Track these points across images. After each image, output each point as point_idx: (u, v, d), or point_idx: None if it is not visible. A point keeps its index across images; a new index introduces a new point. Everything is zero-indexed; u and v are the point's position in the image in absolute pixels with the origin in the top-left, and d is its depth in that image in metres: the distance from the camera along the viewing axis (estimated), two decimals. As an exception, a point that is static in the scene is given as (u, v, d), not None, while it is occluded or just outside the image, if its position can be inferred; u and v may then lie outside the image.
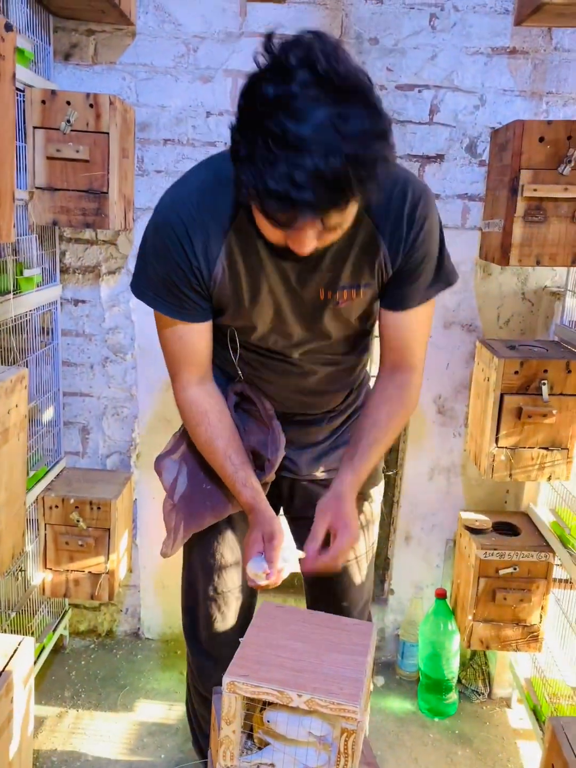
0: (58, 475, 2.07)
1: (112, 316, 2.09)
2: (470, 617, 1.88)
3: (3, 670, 1.16)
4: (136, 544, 2.27)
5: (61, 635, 2.27)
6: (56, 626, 2.15)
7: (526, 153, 1.52)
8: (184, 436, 1.34)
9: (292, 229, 0.88)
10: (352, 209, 0.91)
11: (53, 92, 1.65)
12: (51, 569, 1.97)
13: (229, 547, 1.36)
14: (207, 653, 1.44)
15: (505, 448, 1.71)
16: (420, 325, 1.19)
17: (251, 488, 1.17)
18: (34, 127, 1.66)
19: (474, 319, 2.03)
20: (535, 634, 1.88)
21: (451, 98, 1.88)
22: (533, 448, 1.71)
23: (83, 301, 2.09)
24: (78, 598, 2.03)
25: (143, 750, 1.91)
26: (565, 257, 1.57)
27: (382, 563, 2.31)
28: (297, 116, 0.79)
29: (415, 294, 1.14)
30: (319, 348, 1.19)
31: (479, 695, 2.18)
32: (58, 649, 2.28)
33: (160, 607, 2.33)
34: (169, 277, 1.08)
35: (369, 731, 1.97)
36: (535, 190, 1.52)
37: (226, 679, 0.86)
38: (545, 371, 1.66)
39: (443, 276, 1.15)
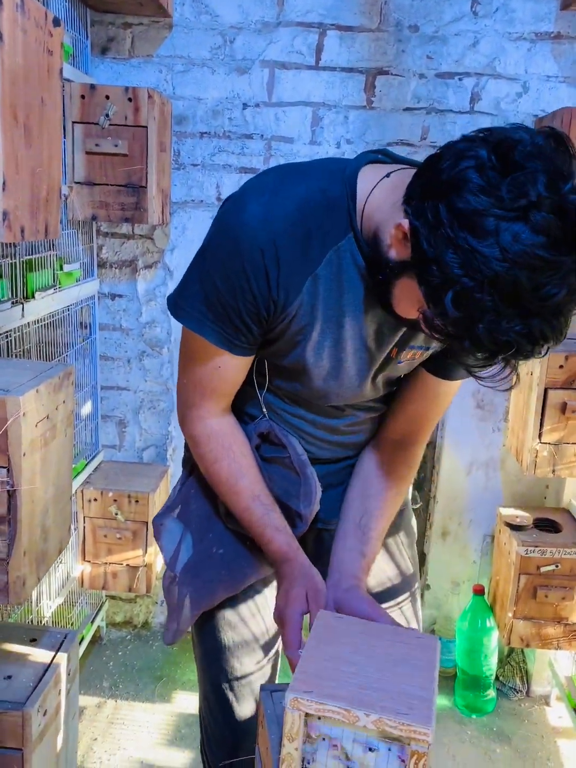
0: (96, 468, 2.09)
1: (149, 311, 2.09)
2: (510, 615, 1.86)
3: (51, 663, 1.17)
4: (172, 537, 2.28)
5: (99, 626, 2.29)
6: (94, 617, 2.18)
7: (574, 139, 1.48)
8: (188, 487, 1.13)
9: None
10: None
11: (92, 87, 1.64)
12: (89, 562, 1.99)
13: (243, 621, 1.14)
14: (221, 742, 1.20)
15: (549, 443, 1.68)
16: (445, 398, 1.08)
17: (285, 533, 0.99)
18: (74, 122, 1.66)
19: (514, 312, 2.00)
20: (576, 632, 1.85)
21: (493, 86, 1.84)
22: (577, 443, 1.68)
23: (120, 296, 2.09)
24: (116, 590, 2.05)
25: (181, 741, 1.92)
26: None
27: (419, 559, 2.28)
28: (546, 278, 0.69)
29: (454, 368, 1.02)
30: (358, 401, 1.06)
31: (517, 692, 2.16)
32: (95, 640, 2.31)
33: (195, 599, 2.34)
34: (234, 303, 0.90)
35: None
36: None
37: (289, 695, 0.85)
38: (590, 365, 1.62)
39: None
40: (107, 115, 1.64)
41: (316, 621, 0.99)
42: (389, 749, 0.86)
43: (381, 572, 1.18)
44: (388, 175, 0.88)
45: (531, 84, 1.82)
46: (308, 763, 0.88)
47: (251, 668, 1.15)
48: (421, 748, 0.80)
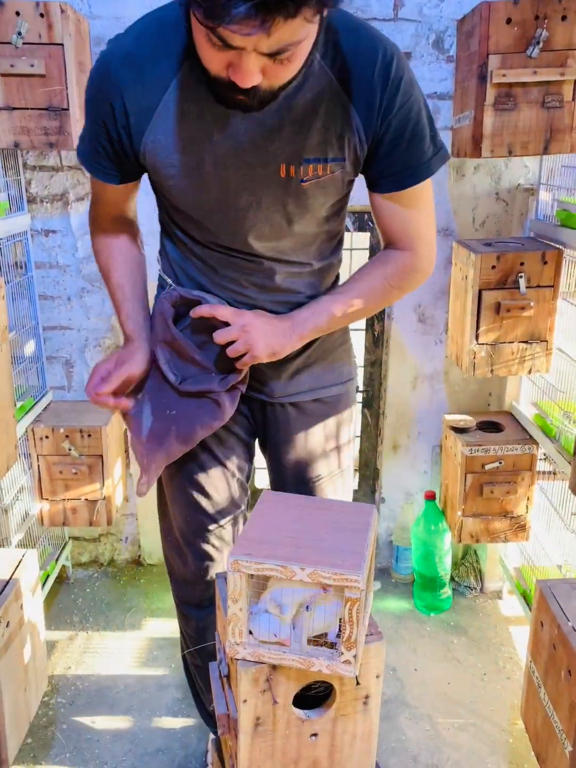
0: (45, 407, 2.08)
1: (85, 245, 2.05)
2: (459, 513, 1.95)
3: (11, 578, 1.19)
4: (130, 473, 2.30)
5: (64, 566, 2.32)
6: (58, 556, 2.20)
7: (494, 36, 1.49)
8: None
9: (229, 34, 0.76)
10: (298, 30, 0.77)
11: (1, 3, 1.57)
12: (47, 499, 2.00)
13: (215, 479, 1.27)
14: (199, 604, 1.35)
15: (486, 344, 1.74)
16: (419, 207, 1.05)
17: (135, 321, 1.15)
18: (-15, 43, 1.59)
19: (449, 223, 2.03)
20: (522, 524, 1.95)
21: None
22: (513, 342, 1.74)
23: (54, 231, 2.05)
24: (77, 526, 2.06)
25: (153, 662, 1.98)
26: (536, 145, 1.56)
27: (371, 473, 2.37)
28: None
29: (403, 170, 1.00)
30: (280, 245, 1.07)
31: (472, 590, 2.28)
32: (62, 579, 2.34)
33: (158, 532, 2.37)
34: (97, 125, 1.01)
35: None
36: (503, 75, 1.50)
37: (230, 559, 0.89)
38: (522, 264, 1.67)
39: (437, 151, 1.01)
40: (20, 33, 1.57)
41: (261, 498, 1.03)
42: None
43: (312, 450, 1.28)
44: None
45: (450, -11, 1.82)
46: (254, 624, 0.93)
47: (211, 522, 1.29)
48: (354, 594, 0.85)
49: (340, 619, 0.89)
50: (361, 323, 2.17)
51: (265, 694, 0.95)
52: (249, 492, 1.36)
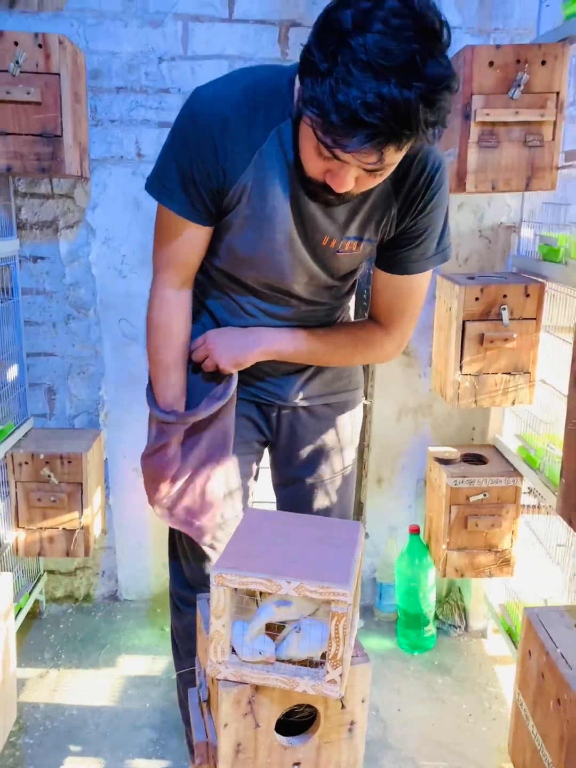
0: (25, 434, 2.04)
1: (72, 272, 2.06)
2: (444, 547, 1.93)
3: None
4: (109, 504, 2.25)
5: (38, 601, 2.24)
6: (32, 589, 2.13)
7: (477, 78, 1.56)
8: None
9: (343, 154, 0.87)
10: (400, 155, 0.91)
11: (0, 32, 1.61)
12: (24, 528, 1.95)
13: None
14: (194, 603, 1.37)
15: (470, 375, 1.75)
16: (408, 293, 1.21)
17: (166, 415, 1.23)
18: (-18, 70, 1.62)
19: (434, 259, 2.07)
20: (507, 559, 1.93)
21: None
22: (496, 373, 1.76)
23: (42, 258, 2.05)
24: (53, 556, 2.01)
25: (128, 700, 1.90)
26: (518, 181, 1.61)
27: (356, 508, 2.34)
28: (384, 44, 0.79)
29: (412, 260, 1.16)
30: (311, 290, 1.21)
31: (456, 629, 2.24)
32: (34, 615, 2.26)
33: (136, 566, 2.32)
34: (189, 172, 1.06)
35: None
36: (487, 114, 1.56)
37: (213, 572, 0.86)
38: (504, 296, 1.70)
39: (442, 250, 1.18)
40: (17, 62, 1.61)
41: (245, 515, 1.02)
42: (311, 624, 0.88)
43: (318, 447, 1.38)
44: None
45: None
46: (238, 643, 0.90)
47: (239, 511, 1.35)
48: (341, 609, 0.83)
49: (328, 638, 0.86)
50: (347, 355, 2.19)
51: (246, 717, 0.91)
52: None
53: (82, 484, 1.92)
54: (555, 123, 1.57)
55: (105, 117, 1.94)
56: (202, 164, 1.05)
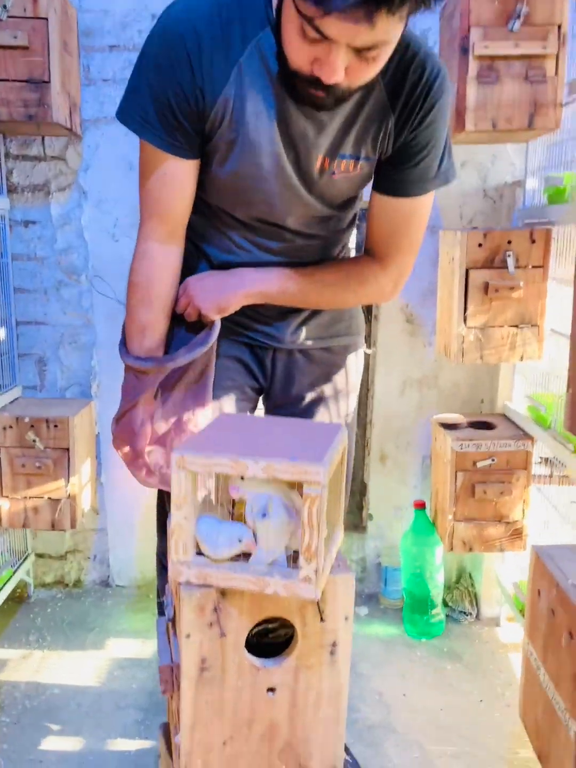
0: (12, 401, 1.97)
1: (64, 236, 2.01)
2: (450, 517, 1.81)
3: None
4: (102, 482, 2.16)
5: (24, 583, 2.14)
6: (17, 567, 2.03)
7: (475, 11, 1.50)
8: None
9: (330, 26, 0.79)
10: (394, 30, 0.82)
11: (-12, -23, 1.59)
12: (7, 497, 1.86)
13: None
14: None
15: (475, 327, 1.66)
16: (406, 220, 1.11)
17: (143, 362, 1.14)
18: (-31, 15, 1.59)
19: (437, 220, 1.99)
20: (518, 530, 1.80)
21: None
22: (503, 326, 1.66)
23: (33, 222, 2.01)
24: (38, 527, 1.91)
25: (113, 681, 1.78)
26: (521, 119, 1.54)
27: (359, 488, 2.23)
28: None
29: (412, 180, 1.07)
30: (307, 221, 1.13)
31: (467, 616, 2.10)
32: (21, 599, 2.16)
33: (129, 549, 2.22)
34: (165, 98, 0.97)
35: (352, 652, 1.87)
36: (486, 47, 1.50)
37: (174, 455, 0.77)
38: (509, 243, 1.62)
39: (444, 170, 1.09)
40: (5, 6, 1.58)
41: (215, 418, 0.92)
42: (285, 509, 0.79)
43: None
44: None
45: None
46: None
47: None
48: (314, 490, 0.73)
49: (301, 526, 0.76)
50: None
51: (212, 628, 0.80)
52: None
53: (68, 450, 1.84)
54: (558, 56, 1.51)
55: (98, 76, 1.91)
56: (178, 87, 0.96)
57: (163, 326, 1.15)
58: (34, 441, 1.81)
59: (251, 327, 1.23)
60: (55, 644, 1.94)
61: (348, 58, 0.84)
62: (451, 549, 1.84)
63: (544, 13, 1.50)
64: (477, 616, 2.11)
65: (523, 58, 1.51)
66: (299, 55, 0.87)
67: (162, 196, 1.06)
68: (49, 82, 1.62)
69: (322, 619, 0.82)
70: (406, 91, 1.00)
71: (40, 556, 2.22)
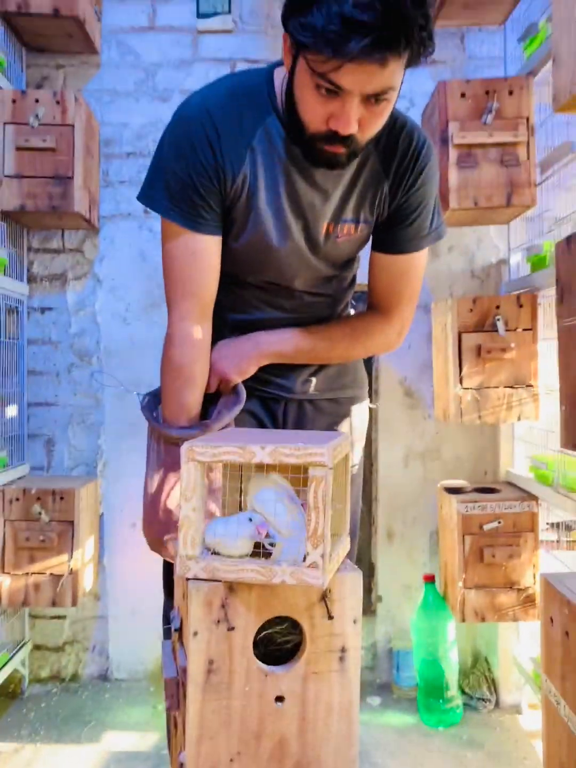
0: (20, 477, 1.99)
1: (78, 321, 2.13)
2: (460, 585, 1.76)
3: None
4: (104, 564, 2.13)
5: (19, 677, 2.04)
6: (14, 654, 1.95)
7: (451, 108, 1.70)
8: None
9: (344, 77, 0.88)
10: (398, 76, 0.91)
11: (23, 92, 1.82)
12: (9, 573, 1.83)
13: None
14: None
15: (471, 388, 1.72)
16: (405, 274, 1.20)
17: (187, 430, 1.13)
18: (5, 123, 1.80)
19: (428, 300, 2.12)
20: (531, 597, 1.75)
21: (384, 104, 2.11)
22: (498, 387, 1.72)
23: (50, 309, 2.13)
24: (38, 606, 1.86)
25: (110, 774, 1.66)
26: (499, 197, 1.69)
27: (366, 570, 2.18)
28: None
29: (408, 239, 1.16)
30: (314, 283, 1.21)
31: (486, 702, 1.98)
32: (14, 694, 2.05)
33: (130, 638, 2.13)
34: (189, 179, 1.03)
35: (364, 741, 1.76)
36: (463, 137, 1.68)
37: (184, 448, 0.81)
38: (498, 307, 1.72)
39: (435, 227, 1.18)
40: (37, 116, 1.80)
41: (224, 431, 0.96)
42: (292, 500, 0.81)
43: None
44: None
45: (416, 99, 2.10)
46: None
47: None
48: (320, 472, 0.76)
49: (306, 508, 0.78)
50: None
51: (219, 626, 0.79)
52: None
53: (73, 522, 1.83)
54: (528, 143, 1.69)
55: (115, 179, 2.12)
56: (201, 167, 1.03)
57: (201, 400, 1.17)
58: (39, 513, 1.81)
59: (264, 379, 1.26)
60: (49, 737, 1.82)
61: (360, 110, 0.93)
62: (463, 619, 1.78)
63: (512, 108, 1.70)
64: (497, 704, 2.00)
65: (498, 146, 1.69)
66: (316, 114, 0.95)
67: (194, 275, 1.09)
68: (72, 178, 1.81)
69: (330, 616, 0.81)
70: (398, 158, 1.10)
71: (37, 647, 2.13)
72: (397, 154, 1.10)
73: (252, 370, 1.20)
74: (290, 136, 1.04)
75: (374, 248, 1.20)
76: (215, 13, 2.09)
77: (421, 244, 1.18)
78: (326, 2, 0.85)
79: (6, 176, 1.80)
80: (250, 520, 0.78)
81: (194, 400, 1.14)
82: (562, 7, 1.05)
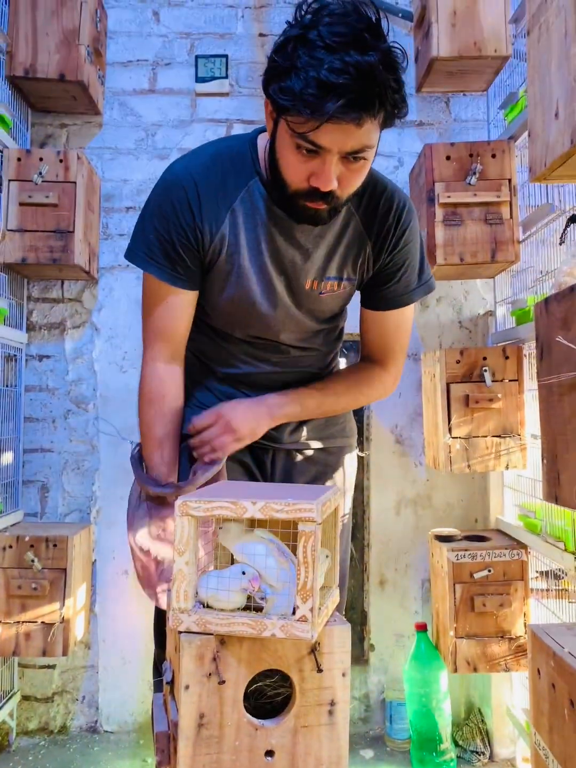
0: (14, 524, 2.00)
1: (76, 368, 2.17)
2: (452, 634, 1.77)
3: None
4: (95, 612, 2.12)
5: (6, 729, 2.01)
6: (2, 706, 1.92)
7: (437, 169, 1.78)
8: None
9: (323, 136, 0.93)
10: (375, 136, 0.98)
11: (28, 151, 1.90)
12: (0, 622, 1.82)
13: None
14: None
15: (459, 438, 1.75)
16: (398, 327, 1.26)
17: (162, 488, 1.17)
18: (10, 180, 1.88)
19: (418, 349, 2.17)
20: (522, 647, 1.76)
21: (376, 163, 2.20)
22: (486, 436, 1.76)
23: (48, 356, 2.18)
24: (28, 655, 1.85)
25: None
26: (484, 254, 1.76)
27: (359, 617, 2.18)
28: (335, 29, 0.92)
29: (397, 294, 1.22)
30: (301, 336, 1.25)
31: (479, 755, 1.96)
32: (1, 747, 2.01)
33: (120, 689, 2.11)
34: (168, 237, 1.10)
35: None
36: (448, 196, 1.76)
37: (178, 503, 0.84)
38: (484, 359, 1.77)
39: (424, 282, 1.24)
40: (40, 173, 1.87)
41: (214, 485, 0.99)
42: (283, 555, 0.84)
43: None
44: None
45: (404, 159, 2.19)
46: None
47: None
48: (309, 527, 0.79)
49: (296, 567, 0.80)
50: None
51: (210, 679, 0.81)
52: None
53: (66, 570, 1.84)
54: (511, 203, 1.76)
55: (115, 232, 2.19)
56: (180, 228, 1.10)
57: (177, 440, 1.22)
58: (32, 561, 1.82)
59: None
60: (36, 793, 1.79)
61: (339, 168, 0.98)
62: (455, 670, 1.78)
63: (495, 170, 1.78)
64: (491, 757, 1.97)
65: (482, 205, 1.77)
66: (297, 173, 1.01)
67: (166, 324, 1.18)
68: (73, 232, 1.87)
69: (319, 669, 0.83)
70: (379, 220, 1.16)
71: (25, 698, 2.10)
72: (378, 215, 1.16)
73: (261, 433, 1.22)
74: (273, 195, 1.10)
75: (365, 306, 1.26)
76: (213, 78, 2.20)
77: (411, 298, 1.24)
78: (304, 68, 0.91)
79: (9, 230, 1.86)
80: (243, 572, 0.81)
81: (168, 433, 1.20)
82: (535, 86, 1.13)
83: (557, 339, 0.95)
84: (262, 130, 1.16)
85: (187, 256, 1.12)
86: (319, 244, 1.15)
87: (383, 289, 1.22)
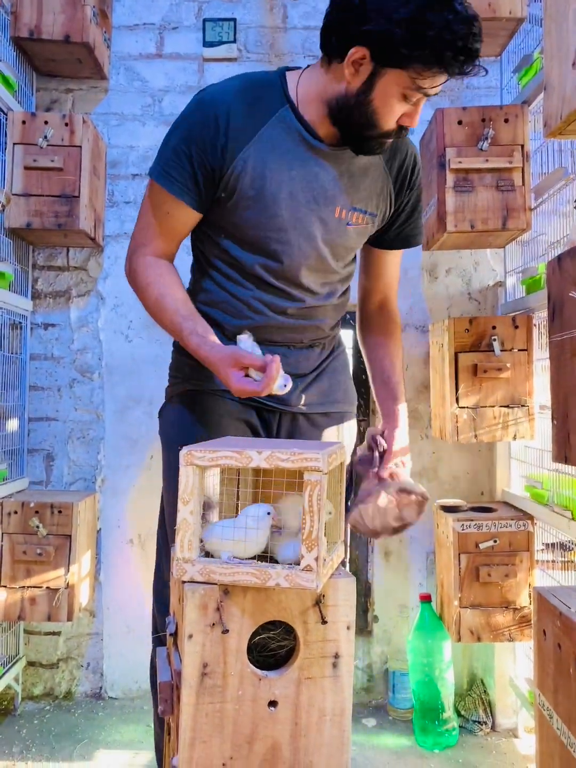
0: (19, 491, 2.00)
1: (81, 337, 2.16)
2: (456, 604, 1.76)
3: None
4: (100, 580, 2.12)
5: (12, 694, 2.03)
6: (8, 669, 1.94)
7: (448, 134, 1.74)
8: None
9: (433, 85, 1.05)
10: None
11: (33, 114, 1.87)
12: (5, 587, 1.83)
13: None
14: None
15: (467, 407, 1.74)
16: (398, 268, 1.39)
17: (197, 335, 1.12)
18: (14, 144, 1.85)
19: (426, 321, 2.15)
20: (526, 617, 1.75)
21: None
22: (494, 406, 1.74)
23: (53, 325, 2.16)
24: (33, 620, 1.86)
25: (101, 792, 1.65)
26: (495, 221, 1.73)
27: (363, 589, 2.18)
28: None
29: (411, 235, 1.34)
30: (319, 278, 1.26)
31: (482, 725, 1.96)
32: (7, 711, 2.03)
33: (125, 656, 2.13)
34: (188, 149, 1.13)
35: (359, 763, 1.75)
36: (460, 162, 1.72)
37: (182, 452, 0.83)
38: (494, 328, 1.74)
39: (421, 229, 1.36)
40: (46, 137, 1.84)
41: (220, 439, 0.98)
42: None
43: None
44: (304, 69, 1.20)
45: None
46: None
47: None
48: (314, 477, 0.78)
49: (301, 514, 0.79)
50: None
51: (214, 629, 0.81)
52: None
53: (71, 537, 1.84)
54: (523, 169, 1.73)
55: (121, 199, 2.16)
56: (202, 142, 1.12)
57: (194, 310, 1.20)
58: (37, 527, 1.82)
59: None
60: (40, 755, 1.81)
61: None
62: (459, 639, 1.77)
63: (508, 135, 1.75)
64: (493, 727, 1.98)
65: (493, 171, 1.73)
66: (394, 116, 1.10)
67: (163, 229, 1.19)
68: (78, 197, 1.85)
69: (324, 621, 0.82)
70: (399, 159, 1.26)
71: (31, 664, 2.12)
72: (398, 155, 1.26)
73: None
74: (348, 133, 1.14)
75: (378, 246, 1.34)
76: (221, 42, 2.16)
77: (419, 239, 1.36)
78: (438, 31, 0.99)
79: (14, 194, 1.84)
80: (268, 513, 0.80)
81: (183, 300, 1.17)
82: (552, 36, 1.09)
83: (570, 294, 0.93)
84: (287, 69, 1.21)
85: (200, 172, 1.14)
86: (350, 174, 1.20)
87: (400, 228, 1.31)
